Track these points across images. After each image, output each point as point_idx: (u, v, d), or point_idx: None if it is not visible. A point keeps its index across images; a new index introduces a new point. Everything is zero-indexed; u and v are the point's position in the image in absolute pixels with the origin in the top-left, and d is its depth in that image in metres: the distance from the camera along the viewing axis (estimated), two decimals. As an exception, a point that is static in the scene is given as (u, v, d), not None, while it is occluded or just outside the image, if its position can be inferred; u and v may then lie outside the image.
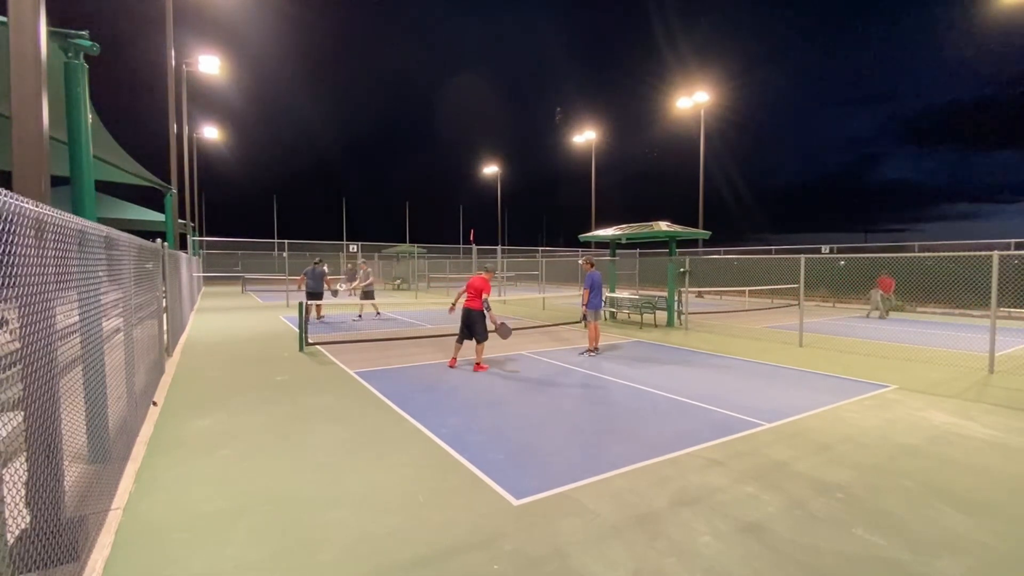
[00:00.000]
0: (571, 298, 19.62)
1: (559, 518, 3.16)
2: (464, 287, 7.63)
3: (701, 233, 14.42)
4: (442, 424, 4.95)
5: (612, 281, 15.18)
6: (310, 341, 9.29)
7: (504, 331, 7.80)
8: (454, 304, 7.80)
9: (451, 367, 7.46)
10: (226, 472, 3.84)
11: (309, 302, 11.18)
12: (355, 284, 15.11)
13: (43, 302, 2.23)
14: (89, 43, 4.51)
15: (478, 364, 7.37)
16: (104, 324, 3.57)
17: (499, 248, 26.62)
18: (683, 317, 12.83)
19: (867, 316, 15.07)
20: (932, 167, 79.71)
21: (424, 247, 31.30)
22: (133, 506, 3.29)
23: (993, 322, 7.63)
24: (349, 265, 18.87)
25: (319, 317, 14.00)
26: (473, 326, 7.40)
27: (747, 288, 19.09)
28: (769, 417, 5.22)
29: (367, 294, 14.51)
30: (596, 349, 8.86)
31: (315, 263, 13.22)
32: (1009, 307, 13.48)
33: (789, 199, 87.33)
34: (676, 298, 12.99)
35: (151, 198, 15.29)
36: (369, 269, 14.73)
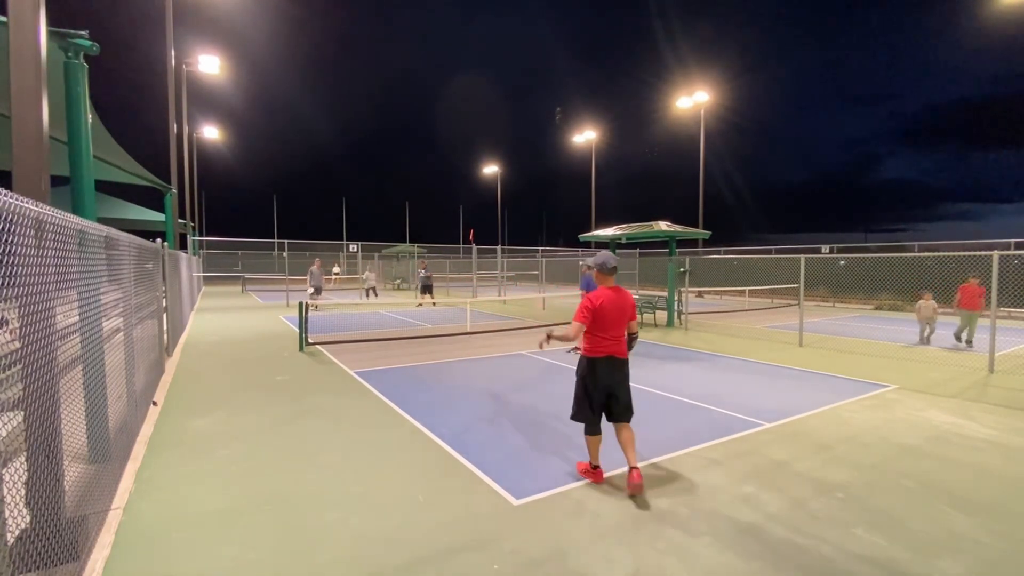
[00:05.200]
0: (571, 298, 19.61)
1: (559, 518, 3.16)
2: (584, 314, 3.64)
3: (701, 233, 14.43)
4: (442, 424, 4.95)
5: (612, 281, 15.15)
6: (310, 341, 9.29)
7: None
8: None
9: (598, 481, 3.72)
10: (226, 472, 3.84)
11: (424, 294, 17.14)
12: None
13: (43, 302, 2.23)
14: (89, 43, 4.51)
15: (637, 472, 3.48)
16: (104, 324, 3.57)
17: (499, 248, 26.57)
18: (683, 317, 12.82)
19: (922, 341, 10.31)
20: (932, 167, 79.71)
21: (424, 247, 31.29)
22: (133, 506, 3.30)
23: (993, 322, 7.63)
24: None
25: (422, 305, 16.94)
26: (625, 391, 3.75)
27: (747, 288, 19.10)
28: (769, 417, 5.22)
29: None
30: (579, 348, 8.92)
31: (424, 264, 17.83)
32: (1009, 307, 13.49)
33: (789, 199, 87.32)
34: (676, 298, 13.00)
35: (151, 198, 15.29)
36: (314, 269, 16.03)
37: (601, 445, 3.77)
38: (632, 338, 3.96)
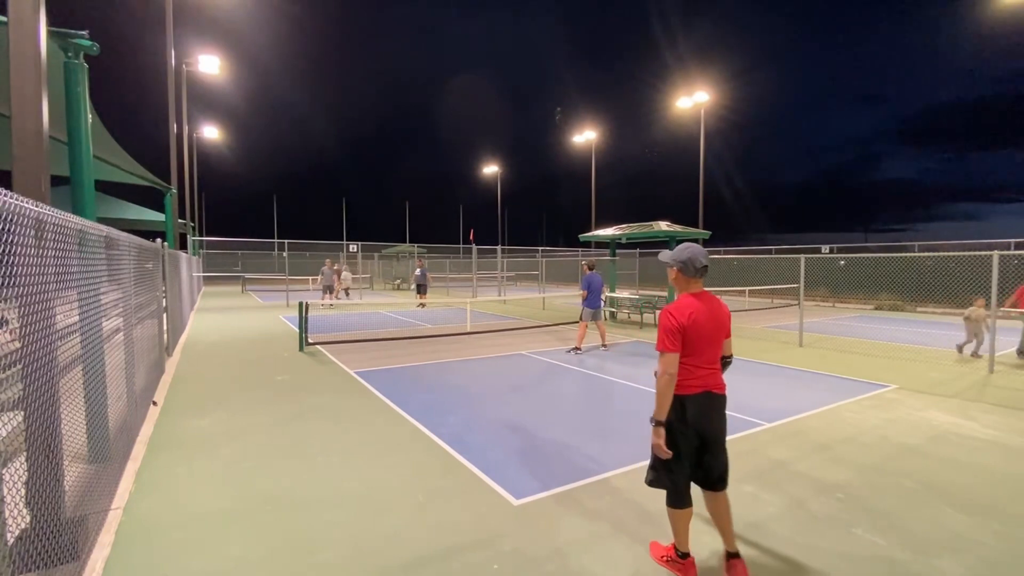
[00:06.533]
0: (571, 298, 19.62)
1: (559, 518, 3.16)
2: (672, 339, 2.59)
3: (701, 233, 14.42)
4: (442, 424, 4.95)
5: (612, 281, 15.18)
6: (310, 341, 9.29)
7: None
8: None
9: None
10: (226, 472, 3.84)
11: (419, 294, 17.37)
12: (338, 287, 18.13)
13: (43, 302, 2.23)
14: (89, 43, 4.51)
15: (741, 565, 2.61)
16: (104, 324, 3.57)
17: (499, 248, 26.58)
18: (683, 317, 12.79)
19: (963, 351, 8.81)
20: (932, 167, 79.75)
21: (424, 247, 31.32)
22: (133, 506, 3.29)
23: (993, 322, 7.63)
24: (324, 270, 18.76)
25: (423, 305, 16.94)
26: (722, 442, 2.67)
27: (747, 288, 19.09)
28: (769, 417, 5.22)
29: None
30: (579, 348, 8.95)
31: (421, 264, 17.93)
32: (1010, 307, 13.47)
33: (789, 199, 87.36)
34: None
35: (151, 198, 15.33)
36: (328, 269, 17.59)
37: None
38: (726, 363, 2.78)
